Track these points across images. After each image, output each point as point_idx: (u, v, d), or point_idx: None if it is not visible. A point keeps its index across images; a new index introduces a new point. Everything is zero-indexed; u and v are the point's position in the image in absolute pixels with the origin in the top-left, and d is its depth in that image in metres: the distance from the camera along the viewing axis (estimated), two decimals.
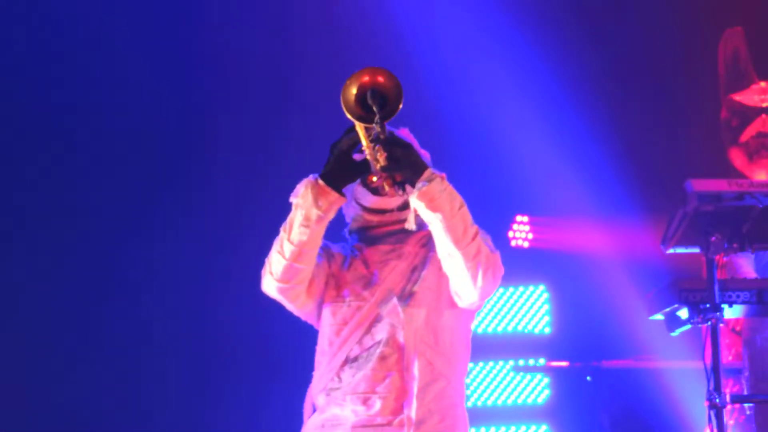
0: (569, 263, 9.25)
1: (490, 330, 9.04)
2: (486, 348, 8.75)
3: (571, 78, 9.44)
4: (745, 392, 7.96)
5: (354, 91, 4.56)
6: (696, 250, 7.05)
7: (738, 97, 8.74)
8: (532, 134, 9.26)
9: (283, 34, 10.01)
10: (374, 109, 4.50)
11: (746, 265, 7.98)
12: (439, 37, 9.72)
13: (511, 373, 8.94)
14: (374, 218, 4.99)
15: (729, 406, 7.03)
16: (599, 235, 9.27)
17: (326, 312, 4.91)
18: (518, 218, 9.05)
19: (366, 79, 4.58)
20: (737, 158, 8.56)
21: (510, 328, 8.99)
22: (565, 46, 9.78)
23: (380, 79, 4.57)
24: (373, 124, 4.53)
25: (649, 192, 8.82)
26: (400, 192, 4.75)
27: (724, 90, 8.87)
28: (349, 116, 4.55)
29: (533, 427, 8.93)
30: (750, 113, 8.66)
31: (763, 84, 8.75)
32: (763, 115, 8.62)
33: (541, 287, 9.04)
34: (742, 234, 6.96)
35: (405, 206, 4.86)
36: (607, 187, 9.31)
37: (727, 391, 6.93)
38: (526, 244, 9.28)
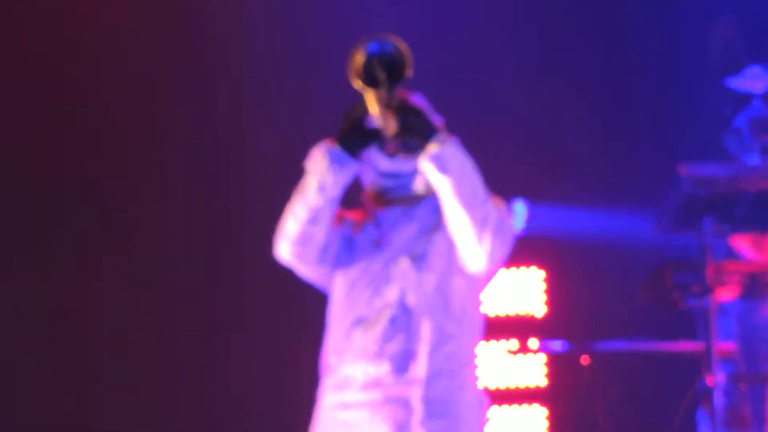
0: (565, 248, 9.11)
1: (485, 310, 8.92)
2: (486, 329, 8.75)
3: (563, 70, 9.33)
4: (738, 372, 7.79)
5: (361, 59, 4.59)
6: (689, 233, 7.13)
7: (732, 83, 8.68)
8: (528, 123, 9.17)
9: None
10: (381, 78, 4.55)
11: (744, 248, 7.85)
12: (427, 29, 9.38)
13: (506, 355, 8.86)
14: (389, 183, 4.95)
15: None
16: (595, 219, 9.14)
17: (338, 274, 4.89)
18: (518, 206, 8.75)
19: (371, 46, 4.62)
20: (731, 142, 8.43)
21: (507, 310, 8.88)
22: (560, 42, 9.55)
23: (388, 46, 4.62)
24: (383, 91, 4.58)
25: (642, 176, 8.79)
26: (413, 157, 4.77)
27: (717, 74, 8.74)
28: (357, 84, 4.60)
29: (530, 406, 8.80)
30: (743, 99, 8.54)
31: (756, 70, 8.54)
32: (756, 100, 8.47)
33: (538, 270, 8.89)
34: (735, 217, 7.07)
35: (412, 155, 4.89)
36: (602, 171, 9.26)
37: (721, 372, 7.00)
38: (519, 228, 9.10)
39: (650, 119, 9.27)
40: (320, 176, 4.76)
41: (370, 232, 4.95)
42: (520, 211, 8.53)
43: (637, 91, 9.33)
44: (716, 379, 6.97)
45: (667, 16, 9.29)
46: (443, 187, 4.67)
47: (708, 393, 6.97)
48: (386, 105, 4.64)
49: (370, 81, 4.60)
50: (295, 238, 4.80)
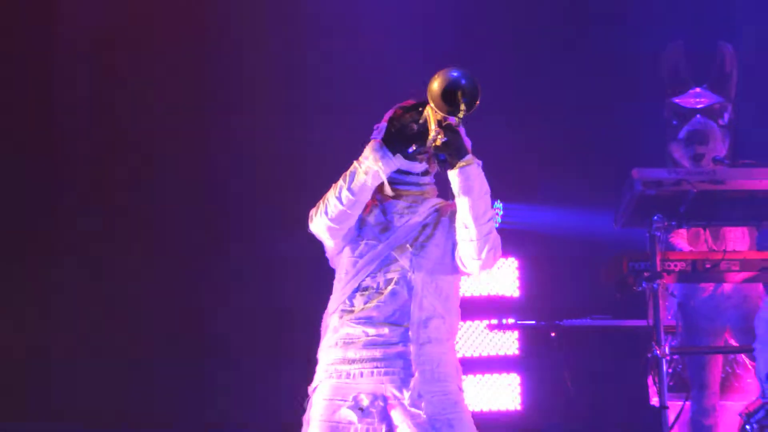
0: (536, 240, 9.20)
1: (471, 292, 8.97)
2: (463, 309, 8.75)
3: (536, 83, 9.36)
4: (681, 345, 7.99)
5: (445, 85, 4.63)
6: (641, 227, 7.14)
7: (678, 100, 8.93)
8: (508, 136, 9.08)
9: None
10: (462, 107, 4.58)
11: (681, 244, 7.95)
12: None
13: (486, 330, 8.90)
14: (399, 177, 5.02)
15: (668, 357, 7.13)
16: (561, 216, 9.22)
17: (346, 248, 4.98)
18: (496, 204, 8.79)
19: (454, 76, 4.64)
20: (676, 151, 8.68)
21: (487, 291, 8.93)
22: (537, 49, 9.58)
23: (470, 82, 4.63)
24: (456, 117, 4.62)
25: (602, 179, 8.61)
26: (432, 165, 4.93)
27: (666, 94, 9.04)
28: (433, 105, 4.65)
29: (506, 375, 8.90)
30: (687, 114, 8.82)
31: (698, 89, 8.89)
32: (698, 116, 8.79)
33: (513, 259, 9.04)
34: (680, 214, 7.07)
35: (425, 173, 4.98)
36: (568, 175, 9.22)
37: (667, 344, 7.07)
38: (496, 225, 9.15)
39: (610, 131, 9.21)
40: (366, 167, 4.86)
41: (378, 216, 5.02)
42: (497, 210, 8.71)
43: (597, 107, 9.25)
44: (663, 350, 7.01)
45: (629, 44, 9.17)
46: (463, 200, 4.80)
47: (656, 362, 7.01)
48: (442, 125, 4.74)
49: (450, 109, 4.66)
50: (334, 217, 4.88)
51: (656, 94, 9.25)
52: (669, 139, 8.87)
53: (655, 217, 7.06)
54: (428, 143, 4.76)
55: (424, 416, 4.81)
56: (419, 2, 9.64)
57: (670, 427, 7.18)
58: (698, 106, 8.86)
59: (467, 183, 4.77)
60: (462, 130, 4.88)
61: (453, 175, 4.78)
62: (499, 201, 8.81)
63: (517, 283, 8.99)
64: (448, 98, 4.64)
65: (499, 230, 8.18)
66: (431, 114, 4.71)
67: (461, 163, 4.75)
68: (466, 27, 9.62)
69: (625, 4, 9.54)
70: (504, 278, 8.99)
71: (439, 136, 4.73)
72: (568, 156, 9.33)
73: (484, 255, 4.83)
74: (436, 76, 4.65)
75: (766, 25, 9.31)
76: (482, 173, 4.82)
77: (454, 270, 4.98)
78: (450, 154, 4.77)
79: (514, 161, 9.07)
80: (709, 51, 9.17)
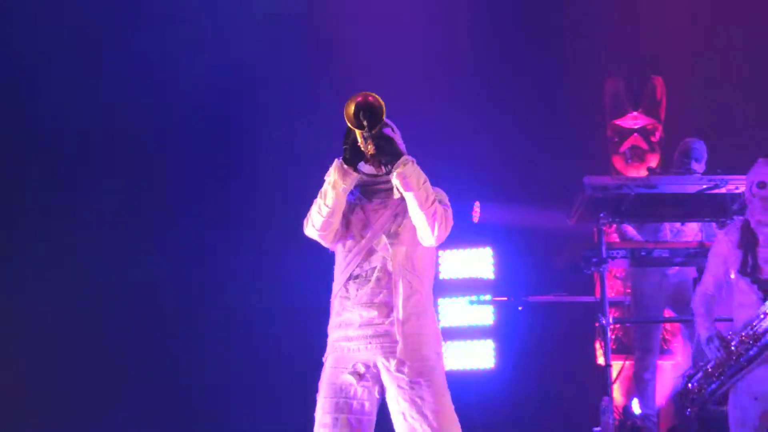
0: (509, 232, 9.27)
1: (455, 275, 9.05)
2: (450, 288, 8.92)
3: (512, 107, 9.38)
4: (629, 316, 8.35)
5: (352, 108, 4.83)
6: (590, 223, 7.67)
7: (618, 122, 9.22)
8: (483, 147, 9.27)
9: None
10: (365, 123, 4.82)
11: (631, 231, 8.17)
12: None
13: (467, 305, 8.93)
14: (369, 179, 5.18)
15: (611, 326, 7.71)
16: (530, 213, 9.29)
17: (339, 244, 5.18)
18: (475, 205, 8.94)
19: (359, 99, 4.84)
20: (618, 162, 9.08)
21: (468, 274, 9.06)
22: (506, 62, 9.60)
23: (369, 99, 4.84)
24: (363, 131, 4.84)
25: (560, 184, 8.63)
26: (384, 169, 5.03)
27: (609, 117, 9.34)
28: (349, 125, 4.85)
29: (482, 340, 8.98)
30: (626, 133, 9.17)
31: (635, 113, 9.17)
32: (635, 134, 9.10)
33: (488, 248, 9.11)
34: (621, 212, 7.56)
35: (387, 173, 5.03)
36: (532, 180, 9.40)
37: (610, 316, 7.58)
38: (476, 220, 9.04)
39: (567, 147, 9.28)
40: (334, 183, 5.02)
41: (358, 215, 5.17)
42: (476, 209, 8.91)
43: (557, 127, 9.39)
44: (607, 320, 7.42)
45: (578, 76, 9.42)
46: (406, 194, 4.97)
47: (602, 330, 7.48)
48: (366, 137, 4.88)
49: (358, 124, 4.84)
50: (319, 226, 5.08)
51: (601, 116, 9.44)
52: (612, 152, 9.10)
53: (602, 215, 7.50)
54: (367, 155, 4.97)
55: (407, 379, 4.98)
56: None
57: (613, 382, 7.53)
58: (635, 127, 9.10)
59: (406, 181, 4.93)
60: (395, 136, 5.03)
61: (393, 178, 4.96)
62: (477, 202, 8.92)
63: (492, 268, 9.08)
64: (354, 119, 4.83)
65: (478, 225, 8.76)
66: (357, 132, 4.91)
67: (397, 167, 4.92)
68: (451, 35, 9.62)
69: (578, 44, 9.55)
70: (482, 264, 9.04)
71: (369, 147, 4.91)
72: (533, 165, 9.36)
73: (436, 231, 5.01)
74: (347, 102, 4.84)
75: (685, 62, 9.46)
76: (417, 168, 4.97)
77: (424, 248, 5.14)
78: (385, 159, 4.96)
79: (491, 169, 9.24)
80: (642, 83, 9.34)
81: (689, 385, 6.55)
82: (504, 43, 9.56)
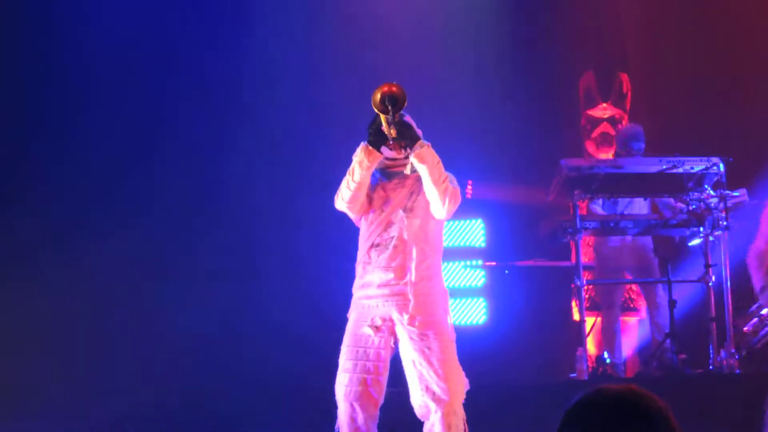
0: (498, 206, 9.21)
1: (452, 243, 8.95)
2: (448, 254, 8.14)
3: (500, 100, 9.32)
4: (595, 278, 8.38)
5: (378, 96, 4.99)
6: (567, 199, 7.91)
7: (590, 112, 9.33)
8: (477, 134, 9.23)
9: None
10: (389, 108, 4.99)
11: (598, 207, 8.29)
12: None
13: (462, 269, 8.92)
14: (389, 162, 5.31)
15: (585, 287, 7.82)
16: (515, 190, 9.27)
17: (363, 217, 5.34)
18: (469, 182, 8.84)
19: (385, 89, 5.00)
20: (590, 147, 9.25)
21: (462, 243, 9.00)
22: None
23: (394, 89, 5.00)
24: (389, 116, 5.00)
25: (541, 165, 8.74)
26: (404, 152, 5.19)
27: (582, 108, 9.42)
28: (376, 110, 5.03)
29: (475, 298, 8.95)
30: (597, 121, 9.29)
31: (604, 105, 9.26)
32: (605, 122, 9.22)
33: (480, 220, 9.04)
34: (592, 189, 7.74)
35: (406, 157, 5.20)
36: (518, 161, 9.36)
37: (584, 278, 7.75)
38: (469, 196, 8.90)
39: (547, 133, 9.33)
40: (360, 163, 5.13)
41: (380, 192, 5.30)
42: (469, 187, 8.85)
43: (539, 116, 9.33)
44: (581, 281, 7.65)
45: (554, 71, 9.38)
46: (423, 172, 5.11)
47: (577, 290, 7.75)
48: (390, 122, 5.02)
49: (384, 109, 4.99)
50: (347, 198, 5.23)
51: (575, 106, 9.48)
52: (584, 138, 9.22)
53: (576, 191, 7.73)
54: (389, 138, 5.09)
55: (417, 331, 5.11)
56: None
57: (586, 335, 7.76)
58: (604, 116, 9.22)
59: (422, 161, 5.07)
60: (412, 123, 5.17)
61: (411, 158, 5.09)
62: (470, 181, 8.85)
63: (483, 237, 9.05)
64: (381, 105, 4.97)
65: (470, 200, 8.79)
66: (381, 117, 5.04)
67: (415, 148, 5.06)
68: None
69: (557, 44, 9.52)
70: (474, 233, 9.01)
71: (392, 131, 5.03)
72: (519, 148, 9.34)
73: (447, 205, 5.14)
74: (375, 90, 4.99)
75: (652, 58, 9.53)
76: (432, 150, 5.09)
77: (436, 220, 5.28)
78: (405, 142, 5.10)
79: (482, 153, 9.22)
80: (611, 78, 9.41)
81: (744, 328, 6.54)
82: (495, 40, 9.45)
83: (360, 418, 5.15)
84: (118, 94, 8.66)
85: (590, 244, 8.79)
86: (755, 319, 6.46)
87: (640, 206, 8.30)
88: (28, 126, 8.59)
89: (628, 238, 8.29)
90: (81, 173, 8.53)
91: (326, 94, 8.86)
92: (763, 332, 6.69)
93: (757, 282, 6.37)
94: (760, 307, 6.42)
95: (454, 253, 8.88)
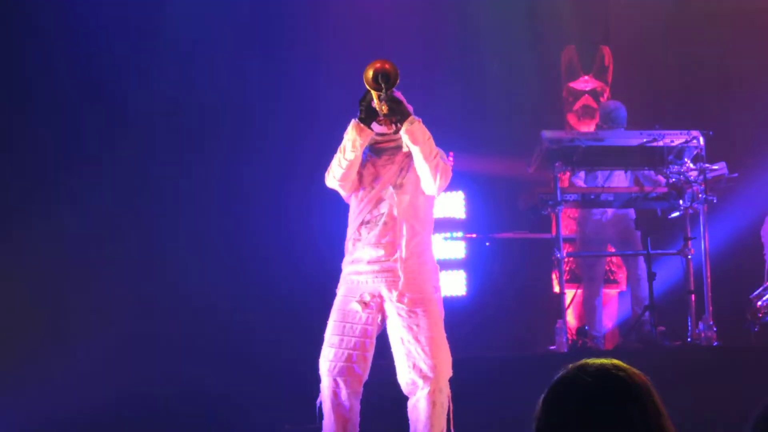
0: (478, 179, 9.21)
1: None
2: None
3: (482, 72, 9.36)
4: (577, 251, 8.44)
5: (371, 73, 4.99)
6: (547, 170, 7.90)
7: (572, 84, 9.33)
8: (457, 105, 9.24)
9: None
10: (382, 85, 4.99)
11: (580, 180, 8.33)
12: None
13: (442, 240, 8.86)
14: (379, 138, 5.32)
15: (565, 259, 7.84)
16: (496, 162, 9.30)
17: (353, 194, 5.36)
18: (449, 155, 8.29)
19: (378, 66, 4.99)
20: (571, 119, 9.25)
21: (442, 214, 8.91)
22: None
23: (386, 66, 4.99)
24: (381, 92, 5.00)
25: (521, 137, 8.79)
26: (394, 127, 5.18)
27: (564, 80, 9.43)
28: (368, 87, 5.02)
29: (455, 271, 8.89)
30: (579, 94, 9.30)
31: (586, 77, 9.27)
32: (586, 95, 9.21)
33: (461, 192, 9.04)
34: (573, 162, 7.75)
35: (396, 132, 5.19)
36: (498, 133, 9.39)
37: (564, 250, 7.81)
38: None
39: (529, 105, 9.33)
40: (352, 140, 5.15)
41: (369, 169, 5.31)
42: (450, 158, 7.97)
43: (522, 87, 9.34)
44: (561, 254, 7.69)
45: (537, 46, 9.33)
46: (413, 148, 5.11)
47: (558, 262, 7.78)
48: (381, 98, 5.03)
49: (376, 86, 4.99)
50: (339, 176, 5.24)
51: (557, 79, 9.47)
52: (566, 110, 9.23)
53: (557, 164, 7.74)
54: (380, 114, 5.09)
55: (406, 308, 5.15)
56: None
57: (566, 307, 7.82)
58: (586, 89, 9.22)
59: (413, 136, 5.07)
60: (403, 99, 5.14)
61: (402, 134, 5.09)
62: (451, 152, 8.20)
63: (463, 209, 9.06)
64: (373, 81, 4.98)
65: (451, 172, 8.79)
66: (373, 94, 5.04)
67: (405, 125, 5.05)
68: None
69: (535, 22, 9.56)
70: (454, 205, 9.03)
71: (383, 107, 5.04)
72: (499, 120, 9.37)
73: (437, 181, 5.18)
74: (367, 67, 4.99)
75: (634, 32, 9.55)
76: (423, 126, 5.10)
77: (425, 196, 5.31)
78: (396, 119, 5.10)
79: (463, 123, 9.20)
80: (593, 51, 9.41)
81: (758, 303, 6.52)
82: (477, 12, 9.50)
83: (343, 393, 5.18)
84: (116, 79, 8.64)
85: (572, 216, 8.87)
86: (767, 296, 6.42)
87: (619, 179, 8.32)
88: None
89: (610, 210, 8.34)
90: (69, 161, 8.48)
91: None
92: None
93: None
94: None
95: (437, 225, 8.56)
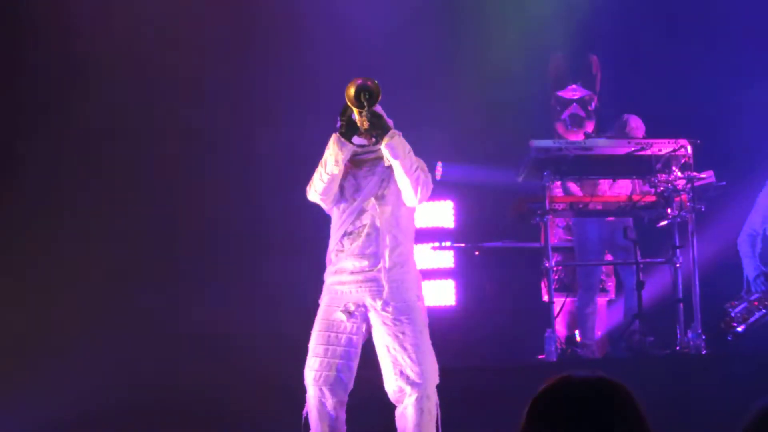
0: (467, 188, 9.26)
1: (421, 224, 8.81)
2: (417, 235, 7.70)
3: (470, 83, 9.26)
4: (572, 259, 8.39)
5: (353, 90, 5.04)
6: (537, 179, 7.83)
7: (560, 93, 9.22)
8: (446, 117, 9.20)
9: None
10: (365, 103, 5.06)
11: (574, 187, 8.34)
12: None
13: (431, 250, 8.95)
14: (359, 150, 5.35)
15: (554, 268, 7.86)
16: (485, 171, 9.24)
17: (335, 206, 5.40)
18: (438, 164, 8.88)
19: (360, 83, 5.05)
20: (560, 128, 9.12)
21: (431, 224, 9.07)
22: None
23: (369, 83, 5.06)
24: (364, 109, 5.07)
25: (510, 146, 8.66)
26: (374, 141, 5.24)
27: (552, 89, 9.35)
28: (350, 104, 5.07)
29: (444, 280, 9.01)
30: (567, 103, 9.18)
31: (574, 86, 9.16)
32: (574, 104, 9.11)
33: (450, 201, 9.15)
34: (562, 171, 7.76)
35: (375, 143, 5.24)
36: (486, 143, 9.35)
37: (553, 259, 7.81)
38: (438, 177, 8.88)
39: (517, 114, 9.26)
40: (334, 154, 5.20)
41: (351, 181, 5.36)
42: (439, 167, 8.92)
43: (509, 98, 9.21)
44: (550, 263, 7.70)
45: (520, 53, 9.34)
46: (394, 162, 5.18)
47: (546, 271, 7.75)
48: (363, 114, 5.10)
49: (359, 104, 5.06)
50: (321, 190, 5.29)
51: (546, 87, 9.42)
52: (554, 119, 9.17)
53: (545, 173, 7.72)
54: (361, 129, 5.15)
55: (391, 317, 5.19)
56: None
57: (555, 316, 7.74)
58: (574, 97, 9.14)
59: (394, 151, 5.14)
60: (383, 113, 5.21)
61: (383, 148, 5.16)
62: (440, 162, 8.90)
63: (452, 218, 9.13)
64: (356, 98, 5.03)
65: (440, 182, 8.79)
66: (354, 109, 5.09)
67: (386, 139, 5.11)
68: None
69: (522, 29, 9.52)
70: (443, 214, 9.11)
71: (364, 123, 5.10)
72: (488, 129, 9.33)
73: (419, 194, 5.23)
74: (349, 84, 5.03)
75: (620, 41, 9.64)
76: (403, 140, 5.16)
77: (407, 207, 5.37)
78: (377, 133, 5.15)
79: (452, 132, 9.20)
80: (581, 59, 9.39)
81: (732, 313, 6.44)
82: (464, 20, 9.53)
83: (329, 403, 5.20)
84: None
85: (560, 225, 8.85)
86: (744, 304, 6.43)
87: (626, 185, 8.35)
88: None
89: (608, 219, 8.34)
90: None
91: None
92: (752, 318, 6.57)
93: (751, 269, 6.28)
94: (749, 293, 6.28)
95: (423, 234, 8.91)
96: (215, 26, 8.97)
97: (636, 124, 8.37)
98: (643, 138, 7.85)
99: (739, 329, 6.59)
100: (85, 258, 8.36)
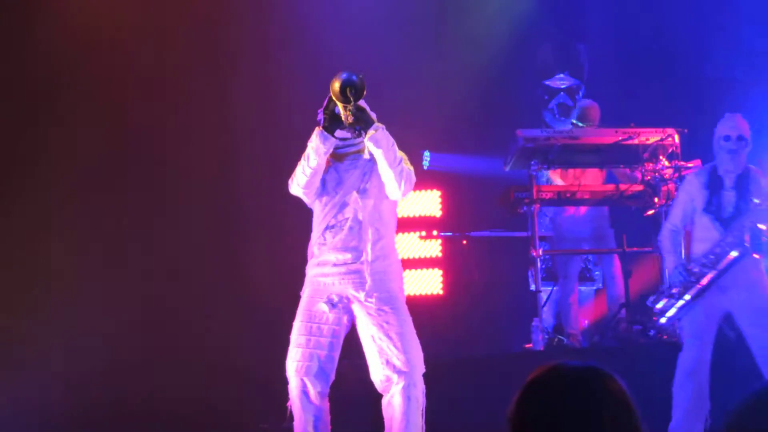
0: (454, 177, 9.28)
1: (408, 213, 8.99)
2: (404, 225, 8.73)
3: (456, 74, 9.27)
4: (552, 248, 8.42)
5: (338, 85, 5.04)
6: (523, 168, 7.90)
7: (548, 82, 9.29)
8: (432, 105, 9.15)
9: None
10: (350, 98, 5.05)
11: (557, 178, 8.34)
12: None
13: (418, 239, 8.98)
14: (341, 143, 5.34)
15: (541, 257, 7.87)
16: (472, 160, 9.31)
17: (317, 200, 5.40)
18: (425, 153, 8.99)
19: (345, 78, 5.04)
20: (547, 117, 9.19)
21: (419, 213, 9.06)
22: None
23: (353, 79, 5.05)
24: (349, 104, 5.07)
25: (497, 136, 8.59)
26: (357, 134, 5.23)
27: (540, 78, 9.38)
28: (335, 99, 5.07)
29: (432, 269, 9.01)
30: (554, 92, 9.25)
31: (561, 75, 9.23)
32: (562, 93, 9.11)
33: (437, 190, 9.14)
34: (548, 160, 7.81)
35: (357, 136, 5.25)
36: (474, 132, 9.35)
37: (540, 248, 7.83)
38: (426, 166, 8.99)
39: (504, 103, 9.35)
40: (316, 148, 5.19)
41: (332, 174, 5.35)
42: (426, 157, 8.98)
43: (497, 87, 9.31)
44: (537, 252, 7.75)
45: (508, 43, 9.33)
46: (377, 155, 5.18)
47: (533, 260, 7.80)
48: (347, 108, 5.10)
49: (344, 99, 5.05)
50: (303, 184, 5.28)
51: (533, 77, 9.46)
52: (542, 108, 9.23)
53: (532, 162, 7.77)
54: (345, 122, 5.16)
55: (375, 307, 5.20)
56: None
57: (543, 305, 7.81)
58: (562, 87, 9.21)
59: (377, 144, 5.14)
60: (366, 107, 5.21)
61: (366, 141, 5.17)
62: (427, 151, 8.96)
63: (440, 207, 9.11)
64: (342, 93, 5.03)
65: (427, 171, 8.88)
66: (339, 103, 5.10)
67: (370, 132, 5.12)
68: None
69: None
70: (431, 204, 9.10)
71: (349, 117, 5.11)
72: (475, 119, 9.32)
73: (402, 187, 5.24)
74: (333, 78, 5.03)
75: (609, 31, 9.63)
76: (386, 133, 5.17)
77: (389, 200, 5.38)
78: (360, 127, 5.16)
79: (439, 123, 9.16)
80: (568, 49, 9.41)
81: (654, 307, 6.54)
82: (452, 10, 9.55)
83: (312, 393, 5.21)
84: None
85: (548, 215, 8.82)
86: (664, 299, 6.36)
87: (595, 176, 8.35)
88: None
89: (583, 208, 8.37)
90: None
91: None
92: (672, 309, 6.59)
93: (671, 263, 6.37)
94: (670, 287, 6.30)
95: (410, 223, 8.97)
96: (205, 25, 8.97)
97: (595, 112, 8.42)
98: (627, 125, 7.85)
99: (662, 321, 6.50)
100: (63, 257, 8.30)
